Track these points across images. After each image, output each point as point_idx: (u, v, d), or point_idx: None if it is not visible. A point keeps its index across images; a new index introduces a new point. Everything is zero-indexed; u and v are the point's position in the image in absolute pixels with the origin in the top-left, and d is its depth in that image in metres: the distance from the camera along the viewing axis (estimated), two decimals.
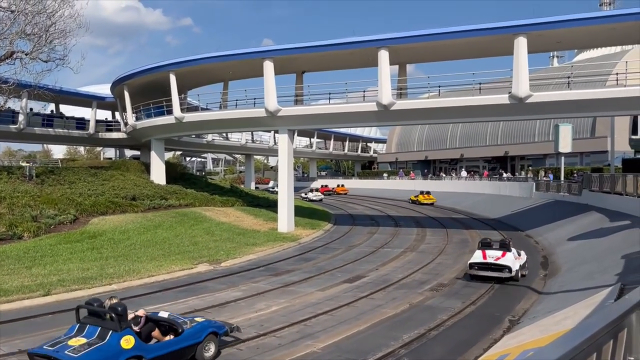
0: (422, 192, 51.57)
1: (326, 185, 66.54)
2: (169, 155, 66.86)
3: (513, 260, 16.77)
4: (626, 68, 24.12)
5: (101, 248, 20.94)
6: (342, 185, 67.48)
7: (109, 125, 44.89)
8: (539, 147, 53.99)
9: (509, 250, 17.08)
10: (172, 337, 9.51)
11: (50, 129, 40.28)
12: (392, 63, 26.42)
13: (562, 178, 38.16)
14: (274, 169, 79.38)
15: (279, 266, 20.32)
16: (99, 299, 9.37)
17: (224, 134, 54.78)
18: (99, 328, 8.58)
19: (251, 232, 28.16)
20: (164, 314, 9.99)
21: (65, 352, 8.10)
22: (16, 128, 36.96)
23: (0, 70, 26.72)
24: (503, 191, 45.22)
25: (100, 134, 43.30)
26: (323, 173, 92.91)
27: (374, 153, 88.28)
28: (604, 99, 23.11)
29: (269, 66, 28.07)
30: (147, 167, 38.45)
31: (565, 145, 37.14)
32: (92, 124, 42.33)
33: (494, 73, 29.45)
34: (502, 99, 24.18)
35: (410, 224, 34.15)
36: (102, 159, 67.34)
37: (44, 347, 8.40)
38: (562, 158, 39.58)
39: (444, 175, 65.08)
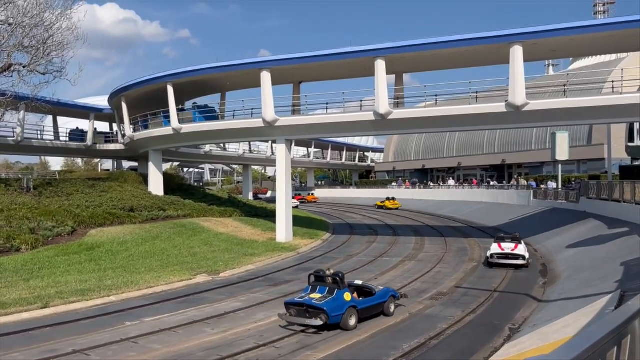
0: (388, 198, 55.69)
1: (299, 194, 70.17)
2: (166, 166, 66.77)
3: (524, 250, 20.92)
4: (622, 75, 24.19)
5: (99, 260, 20.85)
6: (313, 194, 73.74)
7: (107, 138, 45.46)
8: (536, 155, 54.11)
9: (520, 243, 21.05)
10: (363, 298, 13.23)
11: (47, 141, 40.44)
12: (388, 72, 26.54)
13: (560, 185, 38.28)
14: (272, 179, 79.43)
15: (277, 276, 20.24)
16: (322, 270, 13.44)
17: (222, 145, 54.83)
18: (327, 287, 12.54)
19: (249, 242, 28.09)
20: (358, 282, 14.36)
21: (312, 301, 12.14)
22: (14, 140, 36.93)
23: None
24: (501, 199, 45.23)
25: (98, 145, 43.33)
26: (322, 182, 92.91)
27: (371, 162, 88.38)
28: (600, 107, 23.21)
29: (266, 77, 28.17)
30: (145, 179, 38.42)
31: (563, 153, 37.27)
32: (89, 136, 42.41)
33: (491, 82, 29.57)
34: (499, 107, 24.28)
35: (408, 232, 34.10)
36: (99, 170, 67.21)
37: (296, 299, 12.77)
38: (560, 166, 39.71)
39: (431, 184, 65.40)
